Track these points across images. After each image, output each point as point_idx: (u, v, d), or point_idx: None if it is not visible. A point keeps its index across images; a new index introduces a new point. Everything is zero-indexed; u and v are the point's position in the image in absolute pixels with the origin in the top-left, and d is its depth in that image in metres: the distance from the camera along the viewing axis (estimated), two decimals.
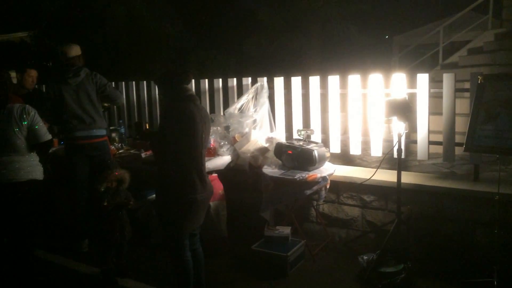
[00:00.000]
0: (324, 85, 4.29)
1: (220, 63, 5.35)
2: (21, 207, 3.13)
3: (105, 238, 3.55)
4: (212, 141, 4.49)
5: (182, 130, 2.87)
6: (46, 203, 4.85)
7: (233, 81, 4.81)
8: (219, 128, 4.64)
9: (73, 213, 4.35)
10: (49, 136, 3.23)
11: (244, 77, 4.73)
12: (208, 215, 4.05)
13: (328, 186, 4.00)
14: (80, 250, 4.24)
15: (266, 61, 4.57)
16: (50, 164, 5.08)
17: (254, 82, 4.65)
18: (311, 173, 3.83)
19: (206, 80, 5.00)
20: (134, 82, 5.59)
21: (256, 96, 4.61)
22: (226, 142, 4.50)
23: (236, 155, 4.46)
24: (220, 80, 4.91)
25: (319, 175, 3.80)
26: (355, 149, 4.21)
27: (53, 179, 4.90)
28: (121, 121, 5.39)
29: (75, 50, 4.19)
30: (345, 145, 4.31)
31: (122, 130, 5.19)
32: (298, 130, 4.21)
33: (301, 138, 4.18)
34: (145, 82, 5.51)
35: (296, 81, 4.43)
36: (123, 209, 3.56)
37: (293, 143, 4.07)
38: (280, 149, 4.12)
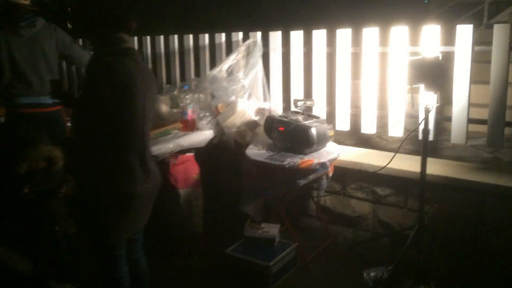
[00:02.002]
0: (331, 42, 3.29)
1: (227, 19, 4.29)
2: None
3: (31, 234, 2.77)
4: (190, 111, 3.60)
5: (114, 97, 1.99)
6: None
7: (221, 37, 3.86)
8: (201, 95, 3.74)
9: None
10: None
11: (234, 31, 3.77)
12: (177, 206, 3.23)
13: (330, 174, 3.07)
14: None
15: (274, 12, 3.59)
16: None
17: (246, 38, 3.69)
18: (306, 158, 2.91)
19: (191, 36, 4.06)
20: None
21: (248, 56, 3.66)
22: (208, 114, 3.60)
23: (220, 130, 3.57)
24: (207, 35, 3.96)
25: (316, 161, 2.87)
26: (368, 127, 3.23)
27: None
28: None
29: None
30: (356, 120, 3.33)
31: None
32: (295, 101, 3.25)
33: (299, 111, 3.23)
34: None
35: (296, 36, 3.44)
36: (53, 198, 2.74)
37: (286, 117, 3.13)
38: (270, 124, 3.19)
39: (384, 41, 3.06)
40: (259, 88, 3.61)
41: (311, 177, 2.91)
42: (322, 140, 3.01)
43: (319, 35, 3.31)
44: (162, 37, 4.25)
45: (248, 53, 3.63)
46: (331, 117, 3.37)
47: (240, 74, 3.59)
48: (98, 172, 2.09)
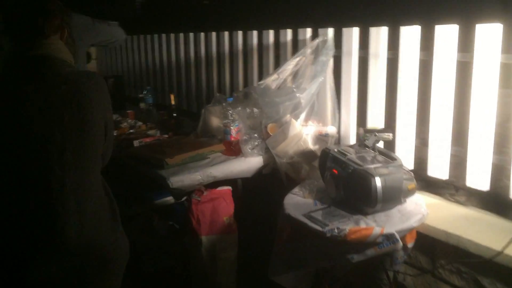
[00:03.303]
0: (428, 44, 2.17)
1: (294, 12, 3.21)
2: None
3: None
4: (235, 131, 2.80)
5: None
6: None
7: (286, 34, 2.95)
8: (255, 110, 2.90)
9: None
10: None
11: (301, 27, 2.83)
12: (197, 257, 2.48)
13: (409, 245, 2.02)
14: None
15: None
16: None
17: (316, 36, 2.75)
18: (363, 223, 1.90)
19: (255, 33, 3.22)
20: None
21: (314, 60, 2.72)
22: (256, 135, 2.76)
23: (271, 157, 2.72)
24: (271, 32, 3.08)
25: (378, 230, 1.84)
26: (477, 179, 2.06)
27: None
28: (149, 87, 3.93)
29: None
30: (459, 165, 2.17)
31: (150, 100, 3.78)
32: (362, 131, 2.23)
33: (370, 146, 2.21)
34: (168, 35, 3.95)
35: (378, 35, 2.38)
36: None
37: (346, 154, 2.13)
38: (324, 161, 2.23)
39: (509, 46, 1.87)
40: (324, 105, 2.65)
41: (370, 253, 1.89)
42: (392, 195, 1.97)
43: (411, 34, 2.22)
44: (226, 33, 3.50)
45: (315, 56, 2.69)
46: (421, 155, 2.27)
47: (298, 84, 2.67)
48: None
